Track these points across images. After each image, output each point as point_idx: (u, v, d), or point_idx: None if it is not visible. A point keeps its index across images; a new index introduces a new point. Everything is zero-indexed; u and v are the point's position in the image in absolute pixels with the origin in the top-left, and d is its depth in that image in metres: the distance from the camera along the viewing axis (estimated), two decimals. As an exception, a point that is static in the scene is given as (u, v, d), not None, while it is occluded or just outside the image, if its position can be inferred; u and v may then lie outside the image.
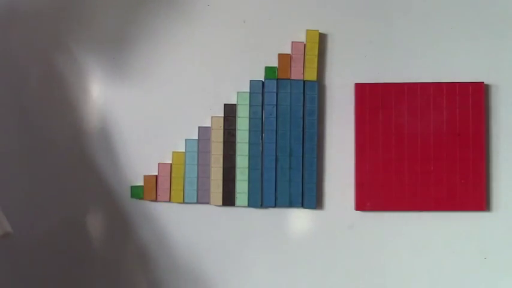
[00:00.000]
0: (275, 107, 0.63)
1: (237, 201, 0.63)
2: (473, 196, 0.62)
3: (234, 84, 0.64)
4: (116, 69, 0.65)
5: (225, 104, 0.64)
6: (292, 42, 0.64)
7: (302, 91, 0.63)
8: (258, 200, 0.63)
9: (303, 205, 0.63)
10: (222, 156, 0.63)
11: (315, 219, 0.64)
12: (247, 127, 0.63)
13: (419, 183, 0.62)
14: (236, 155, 0.63)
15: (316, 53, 0.63)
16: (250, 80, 0.64)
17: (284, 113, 0.63)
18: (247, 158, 0.63)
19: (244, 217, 0.64)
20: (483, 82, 0.63)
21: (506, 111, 0.64)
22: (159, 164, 0.64)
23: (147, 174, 0.64)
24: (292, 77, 0.64)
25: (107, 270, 0.64)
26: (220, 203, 0.63)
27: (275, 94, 0.63)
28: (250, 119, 0.64)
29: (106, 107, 0.65)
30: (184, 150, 0.64)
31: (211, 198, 0.63)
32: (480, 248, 0.63)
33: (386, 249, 0.64)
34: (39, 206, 0.64)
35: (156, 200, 0.64)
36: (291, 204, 0.63)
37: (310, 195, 0.63)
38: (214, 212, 0.64)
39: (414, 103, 0.63)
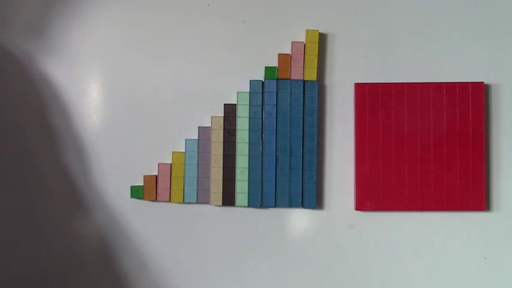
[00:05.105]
0: (275, 107, 0.63)
1: (237, 201, 0.63)
2: (473, 196, 0.62)
3: (234, 84, 0.64)
4: (115, 69, 0.65)
5: (225, 104, 0.64)
6: (292, 42, 0.64)
7: (302, 91, 0.63)
8: (258, 200, 0.63)
9: (303, 205, 0.63)
10: (222, 156, 0.63)
11: (315, 219, 0.64)
12: (247, 127, 0.63)
13: (419, 183, 0.62)
14: (236, 155, 0.63)
15: (316, 53, 0.63)
16: (250, 80, 0.64)
17: (284, 113, 0.63)
18: (247, 158, 0.63)
19: (244, 217, 0.64)
20: (483, 82, 0.63)
21: (506, 111, 0.64)
22: (159, 164, 0.64)
23: (147, 174, 0.64)
24: (292, 77, 0.64)
25: (107, 270, 0.64)
26: (220, 203, 0.63)
27: (275, 94, 0.63)
28: (250, 119, 0.64)
29: (106, 106, 0.65)
30: (184, 150, 0.64)
31: (211, 198, 0.63)
32: (480, 248, 0.63)
33: (387, 249, 0.64)
34: (38, 206, 0.64)
35: (156, 200, 0.64)
36: (291, 205, 0.63)
37: (310, 195, 0.63)
38: (214, 212, 0.64)
39: (414, 103, 0.63)
